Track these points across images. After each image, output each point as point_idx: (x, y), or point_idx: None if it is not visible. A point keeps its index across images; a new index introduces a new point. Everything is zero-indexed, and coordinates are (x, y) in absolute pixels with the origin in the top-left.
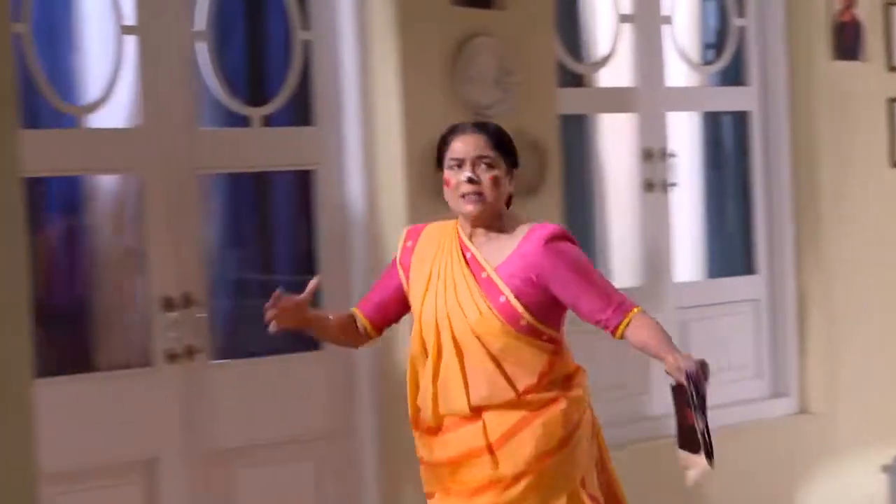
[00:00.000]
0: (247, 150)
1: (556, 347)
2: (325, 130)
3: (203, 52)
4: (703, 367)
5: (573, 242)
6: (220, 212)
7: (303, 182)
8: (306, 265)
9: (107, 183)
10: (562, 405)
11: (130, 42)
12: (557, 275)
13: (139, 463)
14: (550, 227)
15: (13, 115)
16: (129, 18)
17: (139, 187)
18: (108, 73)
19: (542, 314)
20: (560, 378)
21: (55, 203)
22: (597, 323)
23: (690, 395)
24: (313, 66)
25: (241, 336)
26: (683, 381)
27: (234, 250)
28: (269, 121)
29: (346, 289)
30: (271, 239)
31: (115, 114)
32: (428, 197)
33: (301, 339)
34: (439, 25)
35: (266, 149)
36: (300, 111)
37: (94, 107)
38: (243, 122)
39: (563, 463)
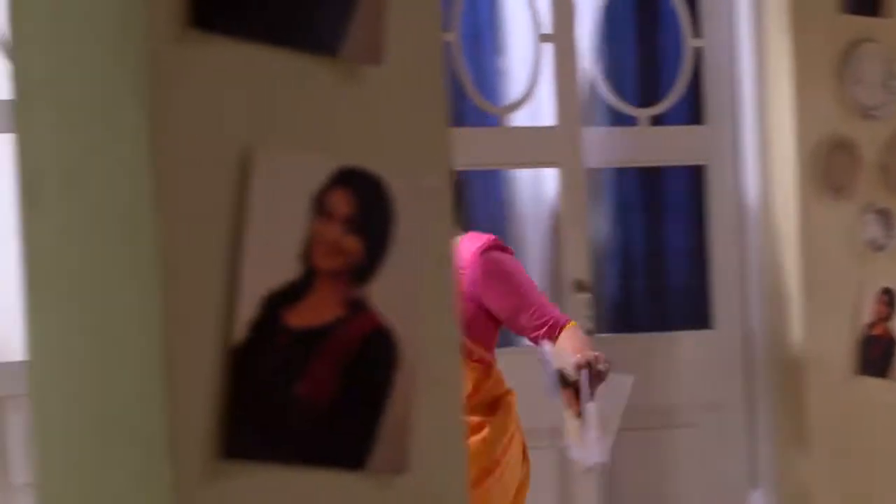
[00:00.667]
0: (638, 146)
1: (485, 368)
2: (715, 129)
3: (602, 58)
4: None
5: (508, 252)
6: (617, 205)
7: (695, 177)
8: (698, 258)
9: (523, 176)
10: (485, 433)
11: (548, 49)
12: (489, 287)
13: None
14: (483, 238)
15: (445, 114)
16: (546, 27)
17: (554, 180)
18: (528, 77)
19: (473, 332)
20: (487, 401)
21: (478, 194)
22: (532, 340)
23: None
24: (703, 70)
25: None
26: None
27: (629, 238)
28: (660, 120)
29: (741, 283)
30: (663, 231)
31: (532, 113)
32: (819, 193)
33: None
34: (829, 31)
35: (657, 146)
36: (691, 111)
37: (514, 107)
38: (633, 121)
39: (492, 489)
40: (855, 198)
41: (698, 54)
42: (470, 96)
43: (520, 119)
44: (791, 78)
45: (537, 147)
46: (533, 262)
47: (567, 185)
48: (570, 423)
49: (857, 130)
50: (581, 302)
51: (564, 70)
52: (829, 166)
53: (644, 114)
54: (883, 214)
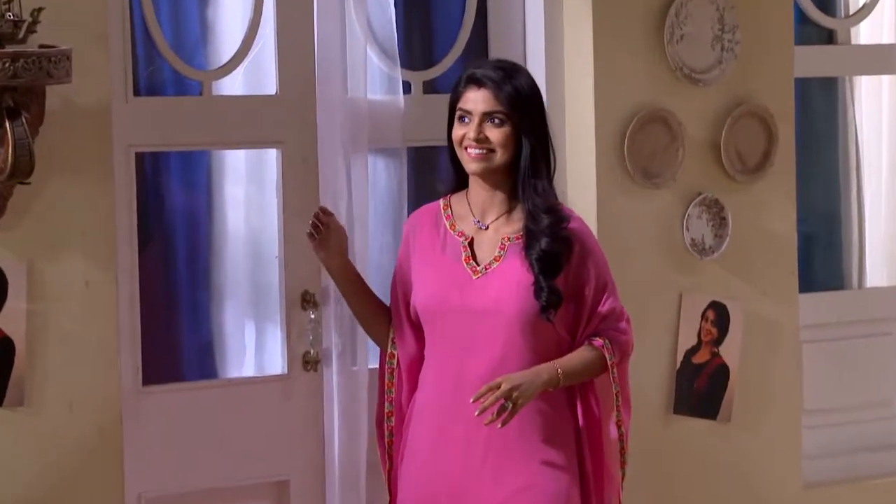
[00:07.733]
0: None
1: None
2: None
3: (357, 12)
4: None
5: None
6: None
7: None
8: None
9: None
10: None
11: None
12: None
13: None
14: None
15: None
16: None
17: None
18: (243, 33)
19: None
20: None
21: (176, 180)
22: None
23: None
24: (489, 24)
25: None
26: None
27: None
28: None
29: None
30: None
31: (246, 80)
32: (627, 179)
33: None
34: None
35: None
36: None
37: (224, 71)
38: (406, 88)
39: None
40: (675, 186)
41: (482, 7)
42: (165, 58)
43: (231, 88)
44: (591, 34)
45: (254, 122)
46: (244, 268)
47: (291, 169)
48: None
49: (678, 100)
50: (305, 322)
51: (292, 24)
52: (641, 146)
53: (419, 79)
54: (712, 207)
